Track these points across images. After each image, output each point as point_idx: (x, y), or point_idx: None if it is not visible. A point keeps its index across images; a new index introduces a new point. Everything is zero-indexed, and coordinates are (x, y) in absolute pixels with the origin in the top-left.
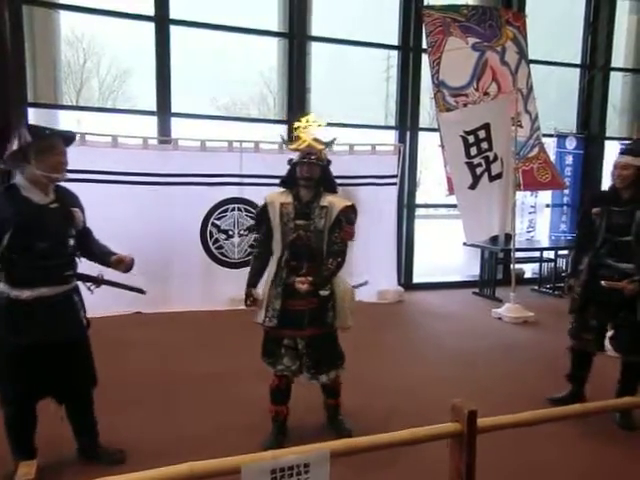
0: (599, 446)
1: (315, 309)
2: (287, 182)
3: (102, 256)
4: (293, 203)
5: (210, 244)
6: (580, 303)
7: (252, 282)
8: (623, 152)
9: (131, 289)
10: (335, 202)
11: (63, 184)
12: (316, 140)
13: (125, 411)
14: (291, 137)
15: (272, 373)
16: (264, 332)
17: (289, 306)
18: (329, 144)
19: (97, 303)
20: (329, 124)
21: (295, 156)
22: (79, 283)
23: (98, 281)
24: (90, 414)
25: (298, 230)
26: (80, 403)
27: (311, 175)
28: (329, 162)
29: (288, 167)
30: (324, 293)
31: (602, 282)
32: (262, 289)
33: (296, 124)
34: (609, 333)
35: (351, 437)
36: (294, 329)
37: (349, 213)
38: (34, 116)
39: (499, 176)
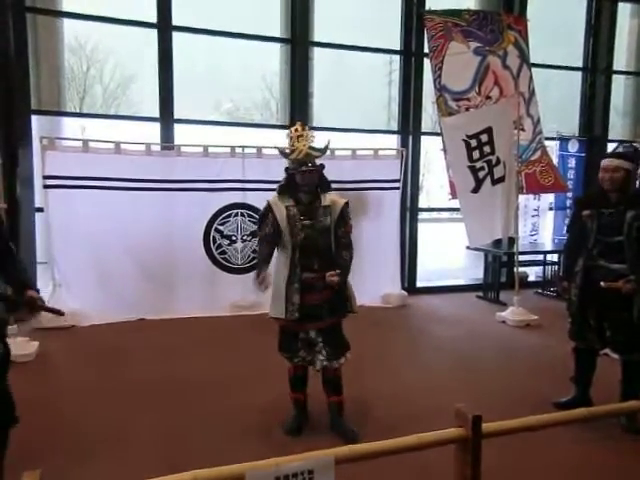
0: (605, 450)
1: (331, 300)
2: (286, 188)
3: (16, 283)
4: (297, 206)
5: (213, 249)
6: (578, 305)
7: (263, 267)
8: (612, 156)
9: (49, 310)
10: (336, 200)
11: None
12: (312, 148)
13: (128, 418)
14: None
15: (288, 365)
16: (280, 328)
17: (307, 300)
18: (324, 150)
19: (101, 310)
20: (331, 129)
21: (290, 164)
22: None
23: (12, 303)
24: None
25: (305, 230)
26: None
27: (311, 182)
28: (323, 166)
29: (285, 175)
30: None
31: (601, 283)
32: (274, 285)
33: (288, 134)
34: (607, 333)
35: (357, 440)
36: (313, 322)
37: (348, 209)
38: (38, 123)
39: (502, 179)
